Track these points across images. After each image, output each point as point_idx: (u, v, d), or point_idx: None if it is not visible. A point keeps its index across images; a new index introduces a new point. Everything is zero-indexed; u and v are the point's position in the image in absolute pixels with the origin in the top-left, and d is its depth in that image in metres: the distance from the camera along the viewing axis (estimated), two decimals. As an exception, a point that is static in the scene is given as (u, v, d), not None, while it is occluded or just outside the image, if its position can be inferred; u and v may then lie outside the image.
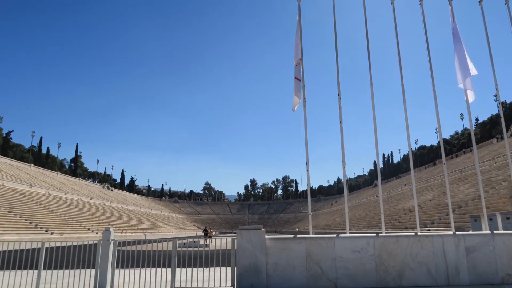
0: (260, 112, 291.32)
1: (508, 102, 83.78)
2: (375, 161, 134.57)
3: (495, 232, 9.32)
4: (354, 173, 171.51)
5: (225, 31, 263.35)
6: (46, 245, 10.17)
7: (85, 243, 10.83)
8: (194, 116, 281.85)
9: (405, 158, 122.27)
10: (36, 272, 8.93)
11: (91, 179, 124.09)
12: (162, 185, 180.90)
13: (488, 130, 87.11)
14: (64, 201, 57.81)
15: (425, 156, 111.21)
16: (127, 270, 10.15)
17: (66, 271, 11.14)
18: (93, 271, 8.88)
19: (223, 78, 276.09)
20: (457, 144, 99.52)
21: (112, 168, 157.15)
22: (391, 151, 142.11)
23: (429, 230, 33.64)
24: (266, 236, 8.78)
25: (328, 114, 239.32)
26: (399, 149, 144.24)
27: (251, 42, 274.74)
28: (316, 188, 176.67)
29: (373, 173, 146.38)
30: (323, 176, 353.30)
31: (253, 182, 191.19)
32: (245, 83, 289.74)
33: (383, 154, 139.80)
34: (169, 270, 9.14)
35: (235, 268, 8.75)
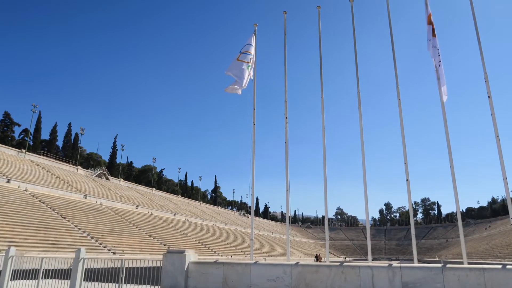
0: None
1: None
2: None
3: (447, 265, 7.72)
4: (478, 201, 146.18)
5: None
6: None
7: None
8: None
9: None
10: None
11: (229, 207, 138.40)
12: (295, 211, 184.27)
13: None
14: (199, 227, 65.17)
15: None
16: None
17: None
18: None
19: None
20: None
21: (247, 197, 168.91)
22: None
23: None
24: (191, 260, 9.15)
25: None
26: None
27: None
28: (464, 210, 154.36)
29: None
30: (472, 195, 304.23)
31: (388, 205, 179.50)
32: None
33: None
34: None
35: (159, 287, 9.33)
